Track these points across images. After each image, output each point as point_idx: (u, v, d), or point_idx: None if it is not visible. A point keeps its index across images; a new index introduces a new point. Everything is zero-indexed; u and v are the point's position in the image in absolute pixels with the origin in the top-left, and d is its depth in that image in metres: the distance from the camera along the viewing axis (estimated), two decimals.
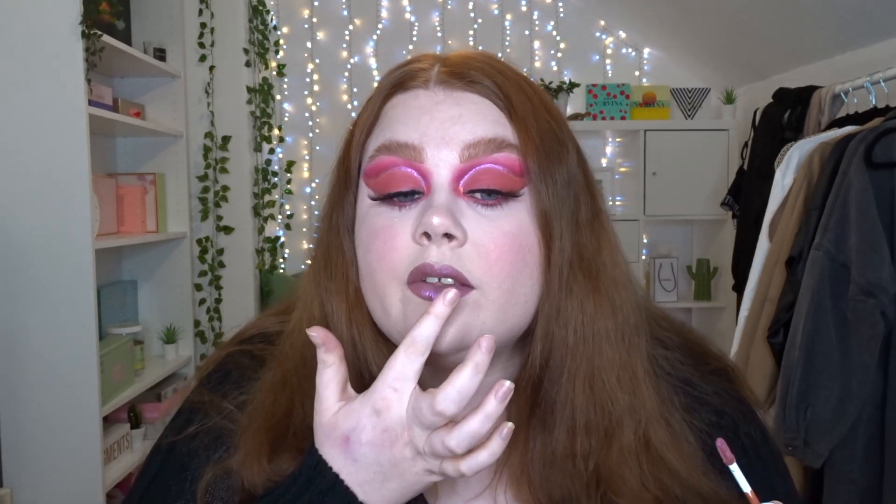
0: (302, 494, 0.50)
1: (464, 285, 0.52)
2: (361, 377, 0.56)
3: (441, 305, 0.49)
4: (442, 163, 0.54)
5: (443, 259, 0.52)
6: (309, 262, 0.63)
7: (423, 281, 0.53)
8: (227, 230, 2.93)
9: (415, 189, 0.55)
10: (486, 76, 0.56)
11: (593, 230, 0.57)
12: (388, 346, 0.57)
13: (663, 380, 0.59)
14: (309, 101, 3.49)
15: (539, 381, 0.56)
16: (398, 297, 0.54)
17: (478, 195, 0.54)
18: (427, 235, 0.52)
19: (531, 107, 0.56)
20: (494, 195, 0.54)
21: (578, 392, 0.54)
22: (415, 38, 3.49)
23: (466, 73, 0.56)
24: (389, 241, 0.54)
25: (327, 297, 0.58)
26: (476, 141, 0.54)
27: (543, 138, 0.56)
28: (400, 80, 0.58)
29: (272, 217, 3.23)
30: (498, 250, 0.53)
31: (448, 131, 0.54)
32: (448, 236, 0.52)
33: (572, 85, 3.38)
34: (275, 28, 3.34)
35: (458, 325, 0.52)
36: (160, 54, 2.62)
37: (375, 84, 0.61)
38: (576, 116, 3.34)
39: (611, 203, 3.52)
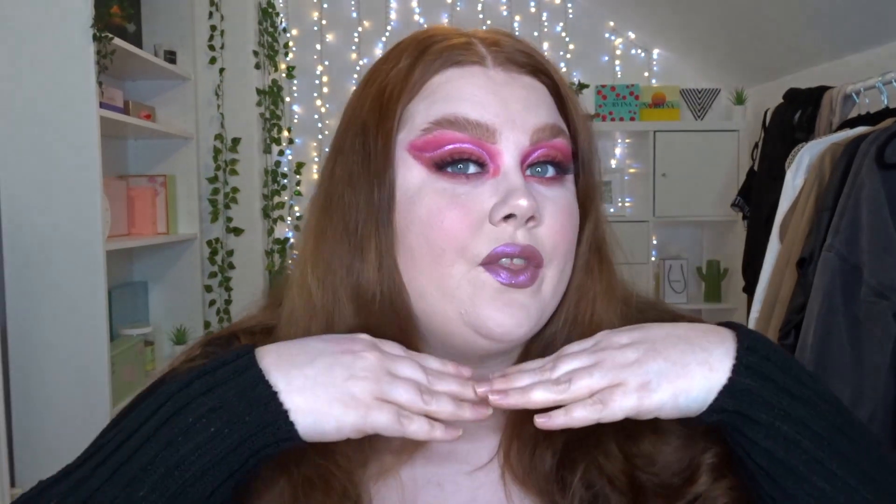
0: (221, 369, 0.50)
1: (537, 266, 0.54)
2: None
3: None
4: (513, 145, 0.55)
5: (523, 239, 0.53)
6: (308, 237, 0.59)
7: (496, 263, 0.53)
8: (237, 232, 2.94)
9: (481, 168, 0.55)
10: (535, 60, 0.58)
11: (605, 220, 0.62)
12: (409, 340, 0.56)
13: None
14: (318, 102, 3.50)
15: (548, 349, 0.58)
16: (468, 278, 0.54)
17: (538, 172, 0.56)
18: (507, 217, 0.53)
19: (570, 90, 0.60)
20: (552, 170, 0.56)
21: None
22: None
23: (517, 55, 0.58)
24: (462, 220, 0.53)
25: (355, 276, 0.55)
26: (542, 126, 0.56)
27: (586, 122, 0.60)
28: (452, 54, 0.57)
29: (281, 219, 3.25)
30: (562, 229, 0.55)
31: (518, 115, 0.55)
32: (529, 218, 0.53)
33: (581, 86, 3.38)
34: (284, 30, 3.35)
35: (532, 310, 0.54)
36: (171, 57, 2.64)
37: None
38: None
39: (620, 204, 3.52)
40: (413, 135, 0.55)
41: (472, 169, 0.55)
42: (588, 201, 0.59)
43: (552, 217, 0.55)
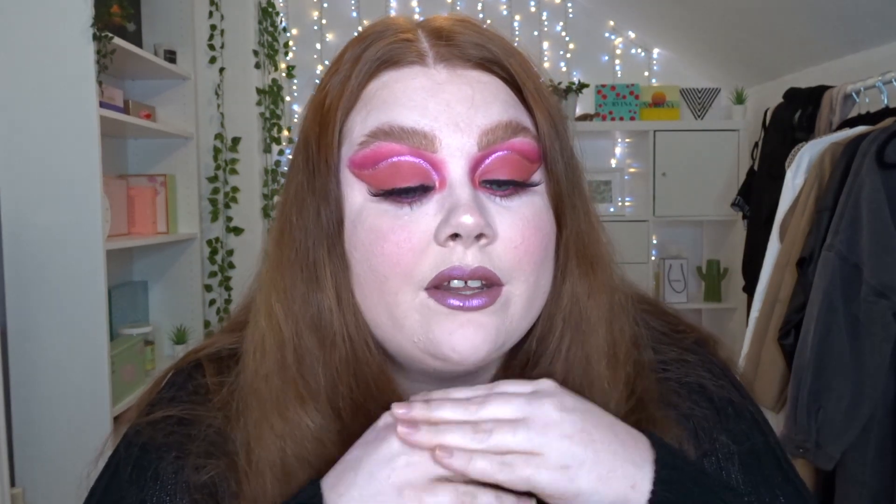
0: None
1: (493, 284, 0.49)
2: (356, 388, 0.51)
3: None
4: (458, 152, 0.49)
5: (473, 260, 0.48)
6: (269, 262, 0.54)
7: (445, 285, 0.48)
8: (237, 231, 2.94)
9: (424, 183, 0.49)
10: (488, 51, 0.51)
11: (587, 210, 0.55)
12: (392, 365, 0.53)
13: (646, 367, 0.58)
14: None
15: (530, 362, 0.54)
16: (414, 305, 0.49)
17: (492, 185, 0.50)
18: (454, 236, 0.48)
19: (532, 81, 0.52)
20: (509, 185, 0.50)
21: (569, 375, 0.53)
22: None
23: (467, 47, 0.51)
24: (404, 244, 0.48)
25: (315, 307, 0.51)
26: (493, 126, 0.49)
27: (553, 116, 0.52)
28: (388, 55, 0.51)
29: None
30: (525, 242, 0.49)
31: (462, 116, 0.49)
32: (479, 236, 0.48)
33: (581, 86, 3.37)
34: (284, 30, 3.35)
35: (492, 330, 0.49)
36: (171, 56, 2.64)
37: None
38: (585, 117, 3.33)
39: (620, 204, 3.51)
40: (352, 150, 0.50)
41: (425, 189, 0.49)
42: (562, 204, 0.53)
43: (512, 230, 0.49)
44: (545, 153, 0.52)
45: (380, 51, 0.51)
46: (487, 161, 0.50)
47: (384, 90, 0.50)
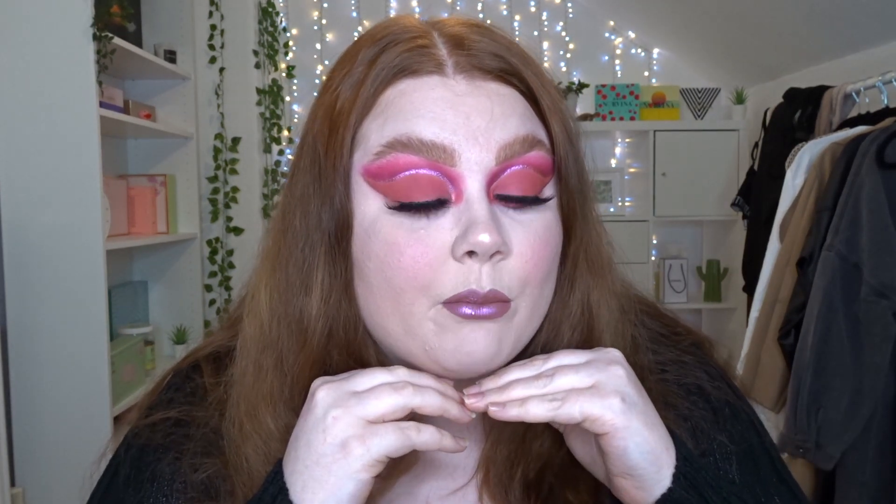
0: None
1: (504, 302, 0.49)
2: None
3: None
4: (476, 166, 0.48)
5: (488, 282, 0.48)
6: (265, 260, 0.55)
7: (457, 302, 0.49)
8: (237, 231, 2.94)
9: (441, 196, 0.49)
10: (506, 62, 0.51)
11: (595, 218, 0.55)
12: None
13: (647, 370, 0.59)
14: None
15: None
16: (429, 315, 0.49)
17: (505, 199, 0.50)
18: (470, 253, 0.48)
19: (548, 92, 0.52)
20: (521, 198, 0.50)
21: None
22: None
23: (485, 58, 0.50)
24: (421, 259, 0.48)
25: (298, 309, 0.51)
26: (511, 141, 0.49)
27: (567, 128, 0.52)
28: (406, 63, 0.50)
29: None
30: (535, 257, 0.50)
31: (481, 130, 0.48)
32: (496, 252, 0.48)
33: (581, 86, 3.37)
34: (284, 30, 3.35)
35: (502, 335, 0.49)
36: (171, 56, 2.64)
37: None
38: (585, 117, 3.33)
39: (620, 204, 3.52)
40: (366, 159, 0.49)
41: (442, 202, 0.49)
42: (573, 214, 0.53)
43: (523, 245, 0.49)
44: (559, 166, 0.52)
45: (397, 57, 0.50)
46: (503, 175, 0.49)
47: (402, 98, 0.49)
